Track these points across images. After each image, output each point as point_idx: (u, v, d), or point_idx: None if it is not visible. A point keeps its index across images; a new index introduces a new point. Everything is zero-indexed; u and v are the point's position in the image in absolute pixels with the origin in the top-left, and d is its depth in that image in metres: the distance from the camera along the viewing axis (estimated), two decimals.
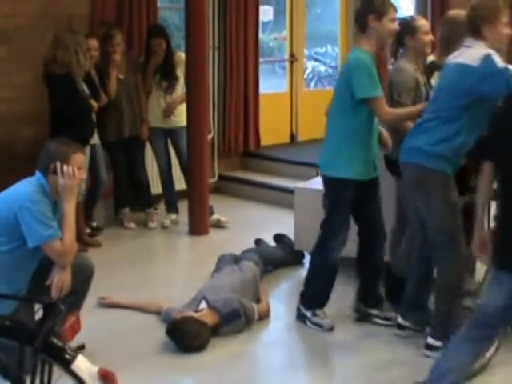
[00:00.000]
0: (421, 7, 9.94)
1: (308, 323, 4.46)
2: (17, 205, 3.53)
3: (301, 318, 4.52)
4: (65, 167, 3.61)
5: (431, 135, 3.89)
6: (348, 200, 4.30)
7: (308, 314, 4.46)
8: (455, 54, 3.98)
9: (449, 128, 3.85)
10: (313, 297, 4.49)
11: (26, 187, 3.62)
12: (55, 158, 3.63)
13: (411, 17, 4.85)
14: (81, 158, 3.74)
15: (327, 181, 4.35)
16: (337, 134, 4.28)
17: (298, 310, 4.55)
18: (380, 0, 4.21)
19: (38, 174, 3.68)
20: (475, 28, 3.83)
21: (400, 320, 4.30)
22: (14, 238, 3.56)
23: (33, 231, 3.52)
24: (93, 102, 5.92)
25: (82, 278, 3.86)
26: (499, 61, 3.74)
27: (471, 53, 3.81)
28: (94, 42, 6.06)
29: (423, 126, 3.97)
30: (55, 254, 3.61)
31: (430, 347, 4.02)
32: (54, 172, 3.62)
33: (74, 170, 3.63)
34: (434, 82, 4.73)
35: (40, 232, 3.53)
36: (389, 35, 4.24)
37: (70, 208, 3.65)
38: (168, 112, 6.55)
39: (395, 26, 4.26)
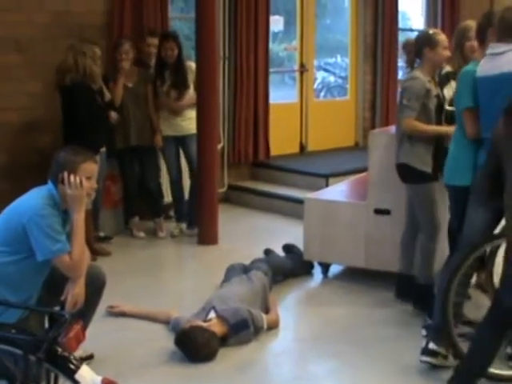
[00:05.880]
0: (431, 18, 9.97)
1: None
2: (26, 217, 3.50)
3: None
4: (71, 177, 3.55)
5: None
6: None
7: None
8: (486, 65, 3.89)
9: None
10: None
11: (36, 199, 3.57)
12: (63, 168, 3.58)
13: (433, 30, 4.80)
14: (90, 167, 3.66)
15: None
16: None
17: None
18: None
19: (49, 183, 3.65)
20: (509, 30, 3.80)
21: (431, 345, 3.84)
22: (22, 249, 3.52)
23: (41, 245, 3.49)
24: (112, 113, 5.99)
25: (94, 289, 3.81)
26: None
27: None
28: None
29: None
30: (64, 267, 3.58)
31: None
32: (62, 182, 3.59)
33: (82, 180, 3.57)
34: (446, 92, 4.73)
35: (48, 246, 3.49)
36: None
37: (78, 220, 3.60)
38: (177, 109, 6.51)
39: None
